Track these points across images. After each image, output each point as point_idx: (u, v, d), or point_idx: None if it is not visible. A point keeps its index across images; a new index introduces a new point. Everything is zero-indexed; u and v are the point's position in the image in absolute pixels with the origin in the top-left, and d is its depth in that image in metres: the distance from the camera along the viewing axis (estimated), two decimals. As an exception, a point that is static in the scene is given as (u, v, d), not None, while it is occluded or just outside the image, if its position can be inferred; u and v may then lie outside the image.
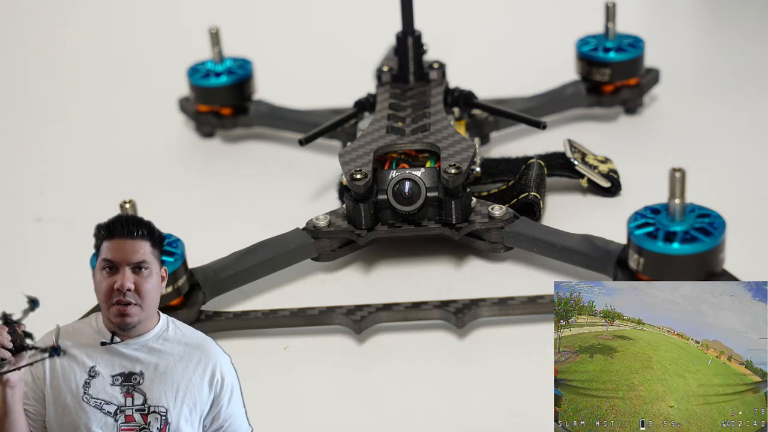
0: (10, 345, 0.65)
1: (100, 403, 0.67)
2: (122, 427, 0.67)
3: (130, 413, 0.67)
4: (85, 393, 0.67)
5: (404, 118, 1.03)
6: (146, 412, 0.67)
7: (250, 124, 1.22)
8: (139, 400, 0.67)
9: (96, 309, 0.75)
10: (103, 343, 0.69)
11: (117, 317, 0.68)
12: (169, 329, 0.70)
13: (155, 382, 0.68)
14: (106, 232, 0.69)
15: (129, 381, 0.68)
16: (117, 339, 0.69)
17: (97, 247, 0.70)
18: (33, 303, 0.67)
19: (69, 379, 0.68)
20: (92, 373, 0.68)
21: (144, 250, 0.68)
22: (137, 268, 0.68)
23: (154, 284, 0.69)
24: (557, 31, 1.46)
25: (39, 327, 0.73)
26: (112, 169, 1.21)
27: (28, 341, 0.66)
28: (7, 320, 0.66)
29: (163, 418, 0.67)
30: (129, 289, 0.67)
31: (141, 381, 0.68)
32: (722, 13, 1.52)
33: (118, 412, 0.67)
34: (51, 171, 1.22)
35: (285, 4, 1.69)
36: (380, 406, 0.80)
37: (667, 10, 1.57)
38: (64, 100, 1.42)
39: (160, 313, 0.71)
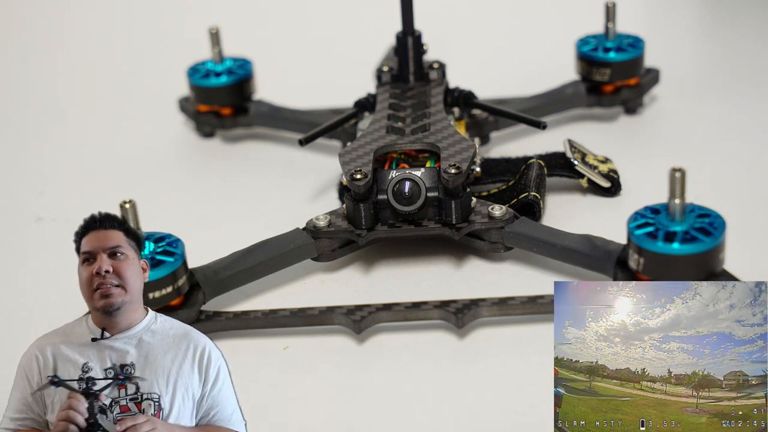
0: (84, 424, 0.66)
1: None
2: (118, 418, 0.67)
3: (125, 403, 0.68)
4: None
5: (404, 118, 1.03)
6: (139, 400, 0.68)
7: (250, 124, 1.22)
8: (131, 389, 0.68)
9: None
10: (93, 339, 0.70)
11: (101, 300, 0.69)
12: (158, 321, 0.72)
13: (146, 371, 0.69)
14: (82, 230, 0.72)
15: (121, 372, 0.69)
16: (107, 334, 0.70)
17: (78, 251, 0.72)
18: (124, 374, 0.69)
19: (63, 378, 0.68)
20: (85, 369, 0.69)
21: (118, 238, 0.71)
22: (113, 253, 0.70)
23: (134, 271, 0.71)
24: (557, 31, 1.46)
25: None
26: (112, 169, 1.21)
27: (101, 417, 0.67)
28: (89, 390, 0.67)
29: (157, 404, 0.68)
30: (107, 271, 0.69)
31: (132, 371, 0.69)
32: (722, 13, 1.52)
33: (113, 403, 0.68)
34: (51, 171, 1.22)
35: (285, 4, 1.69)
36: (380, 406, 0.80)
37: (667, 10, 1.57)
38: (64, 99, 1.42)
39: (148, 309, 0.72)
